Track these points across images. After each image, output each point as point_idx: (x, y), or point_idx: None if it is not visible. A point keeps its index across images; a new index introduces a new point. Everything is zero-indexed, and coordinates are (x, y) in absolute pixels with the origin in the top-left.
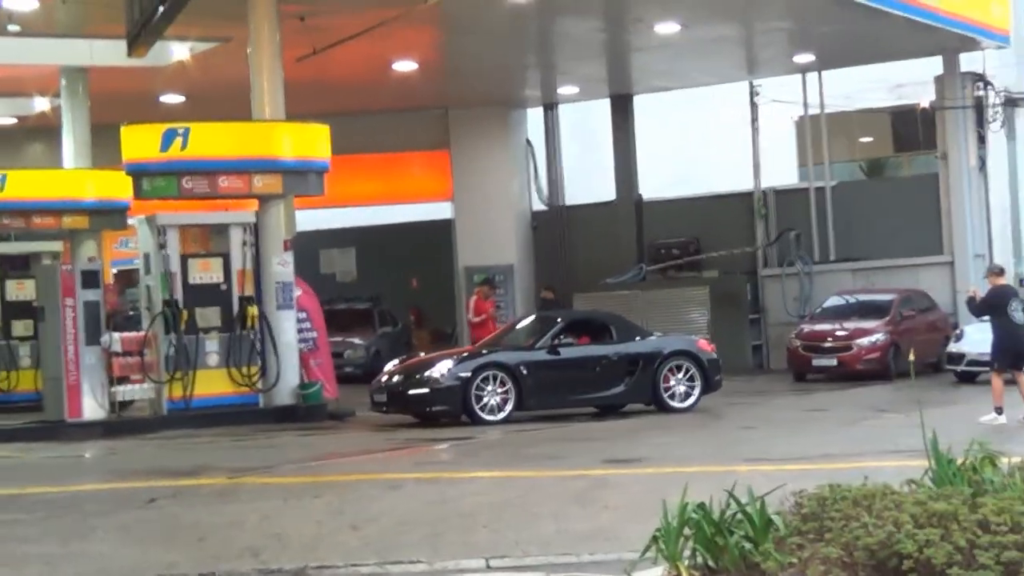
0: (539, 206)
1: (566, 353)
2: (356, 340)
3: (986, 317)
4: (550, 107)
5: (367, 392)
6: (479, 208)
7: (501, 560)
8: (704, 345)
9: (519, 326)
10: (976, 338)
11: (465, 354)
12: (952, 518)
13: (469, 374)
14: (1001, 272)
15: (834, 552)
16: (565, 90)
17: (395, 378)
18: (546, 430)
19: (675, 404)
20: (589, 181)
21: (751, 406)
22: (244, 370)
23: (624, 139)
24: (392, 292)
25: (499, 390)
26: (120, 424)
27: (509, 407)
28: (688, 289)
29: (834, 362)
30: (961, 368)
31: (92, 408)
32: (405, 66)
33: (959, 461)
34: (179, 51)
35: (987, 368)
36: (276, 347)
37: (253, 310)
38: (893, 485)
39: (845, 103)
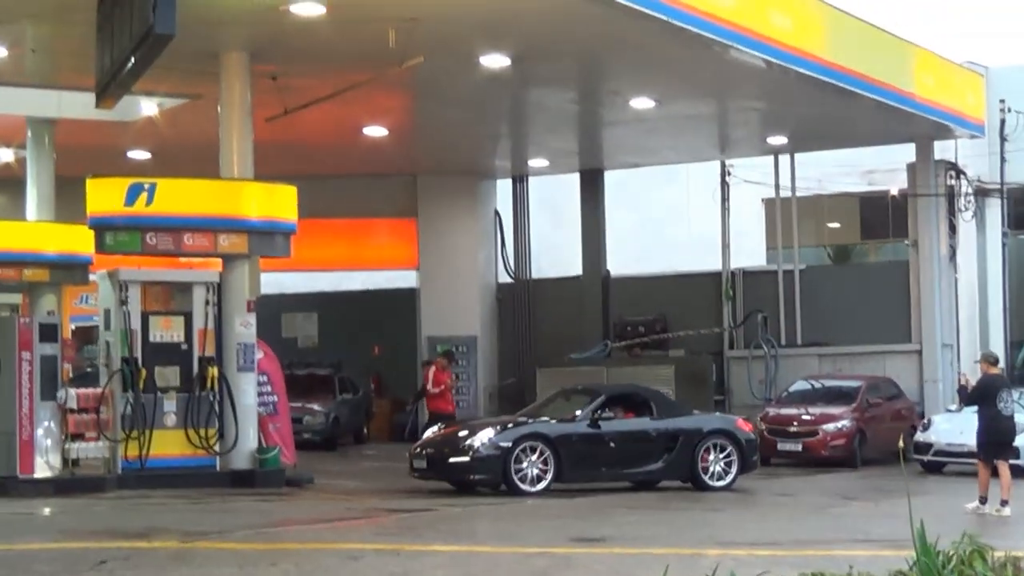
0: (505, 278)
1: (606, 427)
2: (315, 406)
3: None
4: (520, 179)
5: (406, 455)
6: (444, 278)
7: None
8: (743, 425)
9: (553, 398)
10: (944, 428)
11: (509, 424)
12: None
13: (510, 444)
14: (995, 361)
15: None
16: (536, 162)
17: (435, 445)
18: (508, 504)
19: (712, 483)
20: (556, 255)
21: (716, 489)
22: (202, 432)
23: (593, 214)
24: (353, 359)
25: (538, 461)
26: (72, 482)
27: (548, 478)
28: (653, 367)
29: (799, 447)
30: (928, 458)
31: (44, 465)
32: (375, 131)
33: (948, 554)
34: (148, 106)
35: (954, 458)
36: (235, 409)
37: (213, 371)
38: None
39: (816, 187)
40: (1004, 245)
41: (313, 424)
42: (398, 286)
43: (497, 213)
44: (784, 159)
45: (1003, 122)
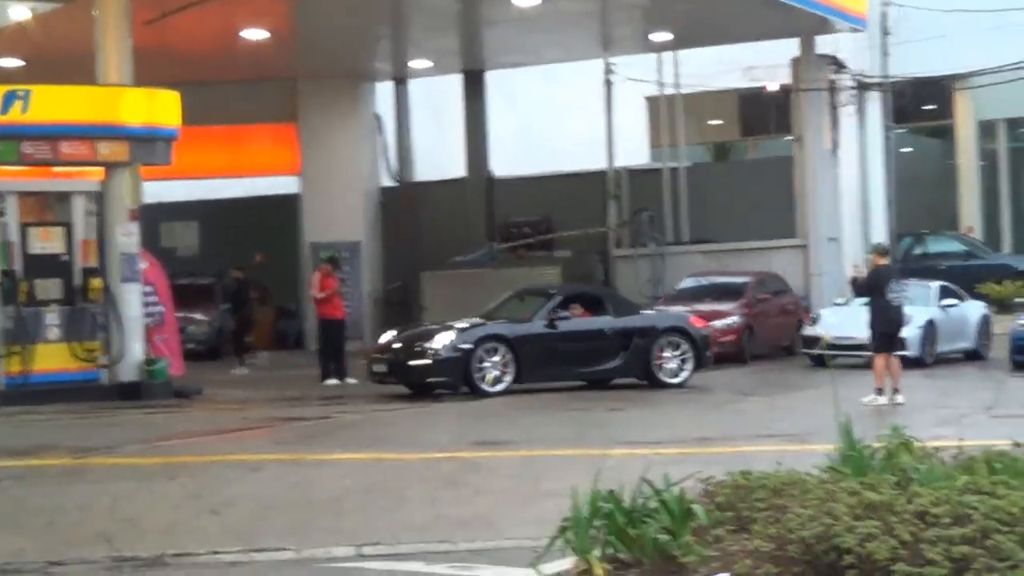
0: (388, 182)
1: (563, 327)
2: (199, 316)
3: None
4: (401, 81)
5: (365, 360)
6: (326, 183)
7: (374, 548)
8: (696, 321)
9: (506, 301)
10: (831, 321)
11: (467, 326)
12: (888, 509)
13: (471, 346)
14: (884, 252)
15: (764, 545)
16: (417, 64)
17: (396, 349)
18: (407, 409)
19: (667, 380)
20: (439, 158)
21: (612, 387)
22: (86, 345)
23: (476, 115)
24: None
25: (499, 362)
26: None
27: (508, 379)
28: (540, 269)
29: None
30: (816, 351)
31: None
32: (255, 34)
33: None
34: (18, 11)
35: (842, 352)
36: (120, 321)
37: (96, 282)
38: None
39: (698, 84)
40: (887, 139)
41: (197, 334)
42: (279, 192)
43: (378, 116)
44: (667, 57)
45: (885, 15)
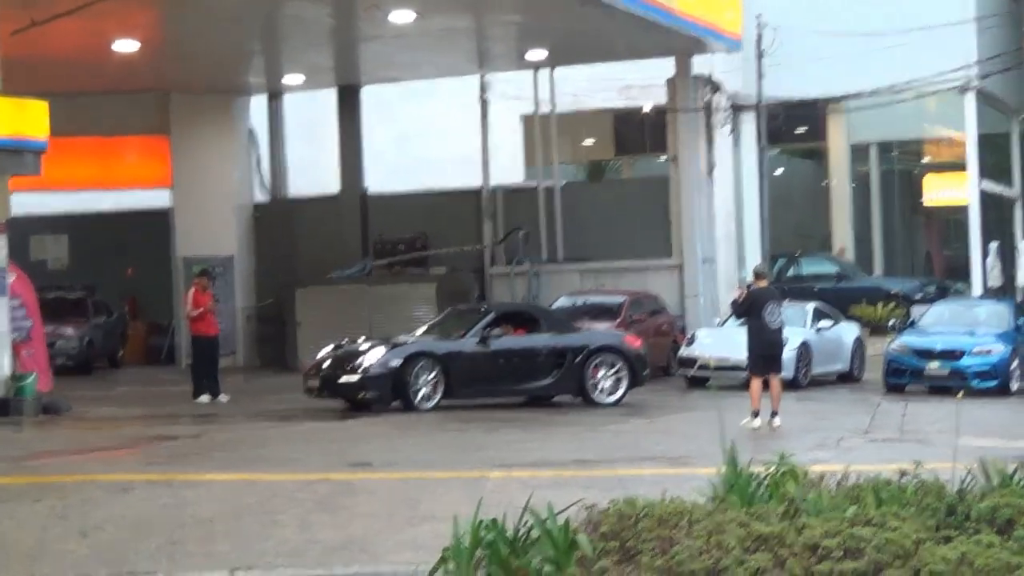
0: (261, 197)
1: (496, 344)
2: (69, 330)
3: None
4: (275, 96)
5: (303, 377)
6: (199, 197)
7: (247, 572)
8: (631, 341)
9: (446, 318)
10: (707, 342)
11: (398, 343)
12: (779, 542)
13: (400, 362)
14: (761, 275)
15: None
16: (291, 78)
17: (329, 365)
18: (277, 428)
19: (602, 398)
20: (314, 173)
21: (488, 407)
22: None
23: (350, 131)
24: (107, 281)
25: (430, 379)
26: None
27: (438, 396)
28: (415, 285)
29: None
30: (693, 372)
31: None
32: (127, 45)
33: (756, 471)
34: None
35: (719, 372)
36: None
37: None
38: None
39: (573, 102)
40: (762, 160)
41: (67, 348)
42: (152, 206)
43: (252, 131)
44: (543, 74)
45: (760, 37)
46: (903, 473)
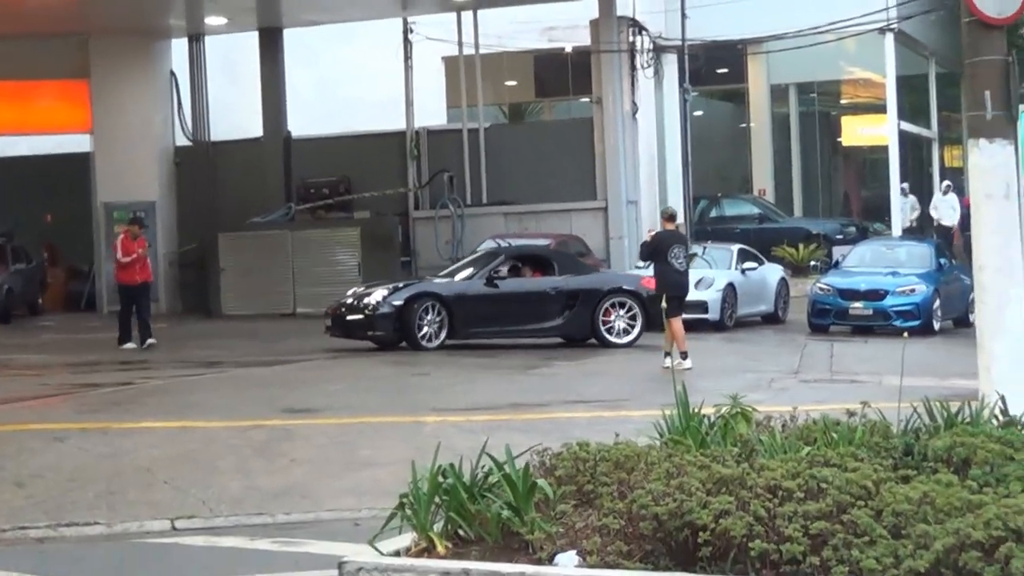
0: (183, 141)
1: (504, 286)
2: None
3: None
4: (196, 38)
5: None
6: (120, 142)
7: (188, 521)
8: (650, 283)
9: (472, 257)
10: None
11: (401, 284)
12: (740, 484)
13: (402, 302)
14: (671, 217)
15: (612, 522)
16: (212, 20)
17: (344, 304)
18: (211, 375)
19: (614, 339)
20: (236, 117)
21: (414, 351)
22: None
23: (272, 74)
24: (25, 227)
25: (434, 318)
26: None
27: (443, 336)
28: (338, 230)
29: None
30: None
31: None
32: None
33: (703, 412)
34: None
35: None
36: None
37: None
38: (637, 442)
39: (496, 45)
40: (685, 101)
41: None
42: (71, 151)
43: (173, 74)
44: (466, 16)
45: None
46: (851, 413)
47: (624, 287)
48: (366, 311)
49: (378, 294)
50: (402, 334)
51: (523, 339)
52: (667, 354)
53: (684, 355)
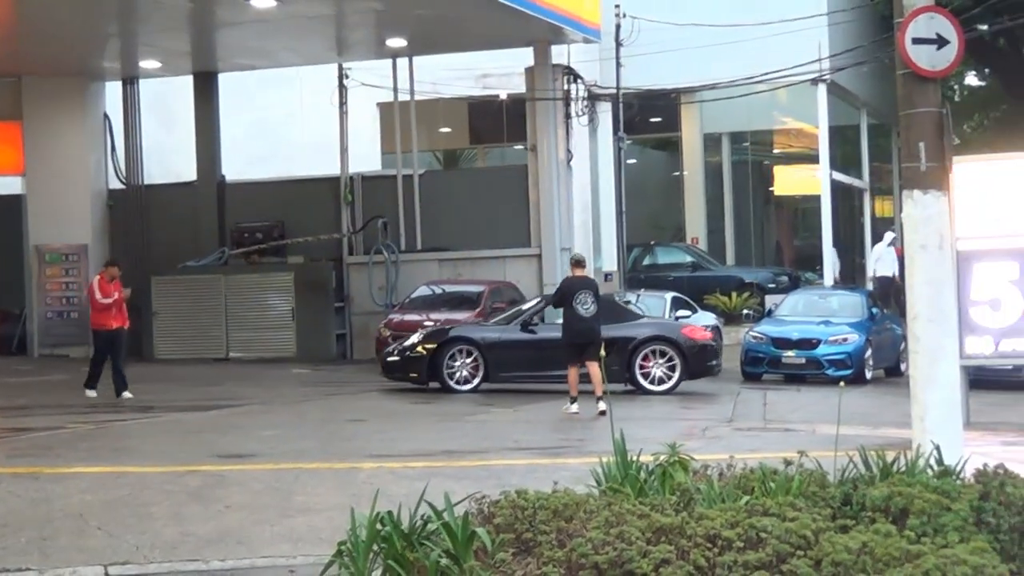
0: (116, 184)
1: (541, 332)
2: None
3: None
4: (130, 81)
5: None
6: (52, 184)
7: (122, 567)
8: (690, 332)
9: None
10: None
11: (439, 328)
12: (680, 533)
13: (434, 346)
14: (577, 263)
15: (552, 571)
16: (147, 64)
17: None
18: (144, 421)
19: (651, 387)
20: (170, 160)
21: (350, 397)
22: None
23: (207, 118)
24: None
25: (469, 363)
26: None
27: (476, 380)
28: (272, 275)
29: None
30: None
31: None
32: None
33: (640, 460)
34: None
35: None
36: None
37: None
38: (575, 490)
39: (431, 91)
40: (620, 149)
41: None
42: (1, 193)
43: (107, 116)
44: (402, 63)
45: (618, 27)
46: (788, 462)
47: (661, 335)
48: (399, 354)
49: (415, 338)
50: (432, 376)
51: (557, 384)
52: (573, 400)
53: (599, 399)
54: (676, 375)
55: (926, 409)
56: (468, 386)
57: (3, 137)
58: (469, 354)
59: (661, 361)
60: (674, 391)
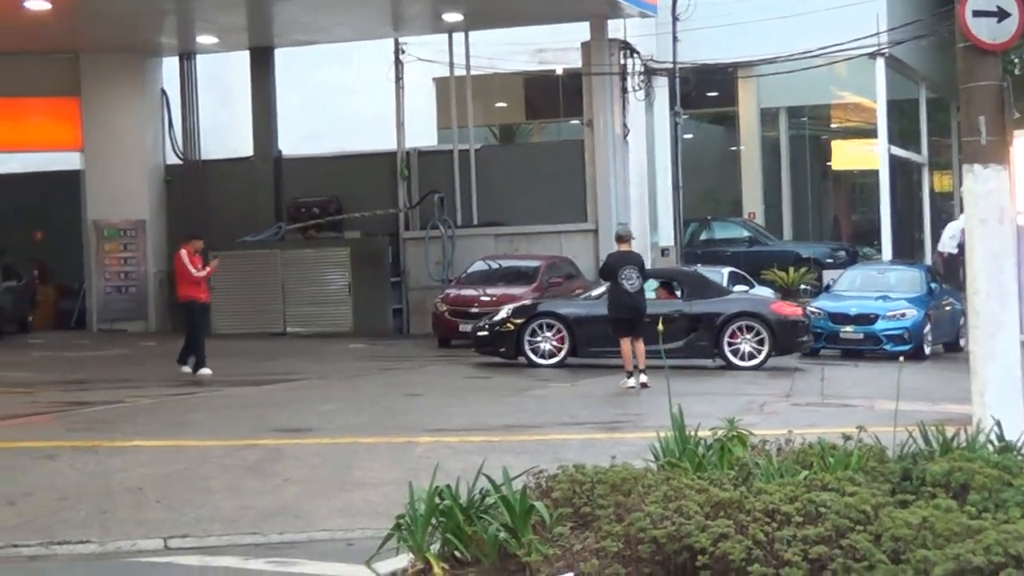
0: (174, 160)
1: None
2: None
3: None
4: (187, 57)
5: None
6: (110, 160)
7: (181, 540)
8: (779, 308)
9: None
10: None
11: (526, 303)
12: (738, 507)
13: (522, 321)
14: (621, 237)
15: (610, 545)
16: (203, 39)
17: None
18: (202, 395)
19: (740, 362)
20: (227, 136)
21: (407, 372)
22: None
23: (263, 93)
24: (15, 245)
25: (553, 337)
26: None
27: (563, 354)
28: (328, 250)
29: None
30: None
31: None
32: (38, 4)
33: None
34: None
35: None
36: None
37: None
38: (633, 465)
39: (487, 66)
40: (676, 124)
41: None
42: (61, 168)
43: (164, 92)
44: (458, 37)
45: (675, 1)
46: (847, 437)
47: (749, 310)
48: (488, 328)
49: (503, 312)
50: (519, 350)
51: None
52: (628, 374)
53: (642, 371)
54: (765, 350)
55: (986, 384)
56: (553, 360)
57: (62, 113)
58: (555, 328)
59: (749, 336)
60: (762, 367)
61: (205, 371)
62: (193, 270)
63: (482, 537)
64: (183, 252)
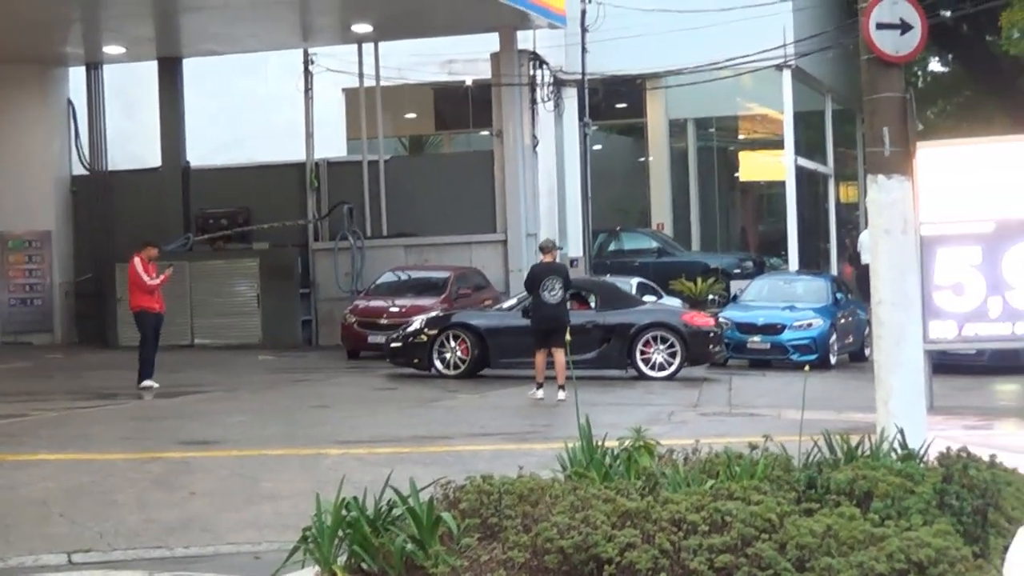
0: (80, 170)
1: None
2: None
3: None
4: (94, 67)
5: None
6: (15, 170)
7: (86, 554)
8: (692, 318)
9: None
10: None
11: (440, 314)
12: (645, 517)
13: (436, 332)
14: (544, 248)
15: (517, 556)
16: (111, 49)
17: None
18: (109, 407)
19: (652, 373)
20: (134, 146)
21: (316, 383)
22: None
23: (172, 104)
24: None
25: (458, 348)
26: None
27: (474, 363)
28: (237, 261)
29: None
30: None
31: None
32: None
33: (606, 445)
34: None
35: None
36: None
37: None
38: (541, 475)
39: (396, 76)
40: (585, 135)
41: None
42: None
43: (71, 103)
44: (367, 48)
45: (584, 12)
46: (753, 447)
47: (662, 321)
48: (400, 340)
49: (416, 323)
50: (431, 361)
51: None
52: (539, 385)
53: (560, 387)
54: (677, 361)
55: (890, 393)
56: (457, 371)
57: None
58: (463, 340)
59: (662, 347)
60: (674, 377)
61: (150, 383)
62: (147, 278)
63: (389, 549)
64: (136, 260)
